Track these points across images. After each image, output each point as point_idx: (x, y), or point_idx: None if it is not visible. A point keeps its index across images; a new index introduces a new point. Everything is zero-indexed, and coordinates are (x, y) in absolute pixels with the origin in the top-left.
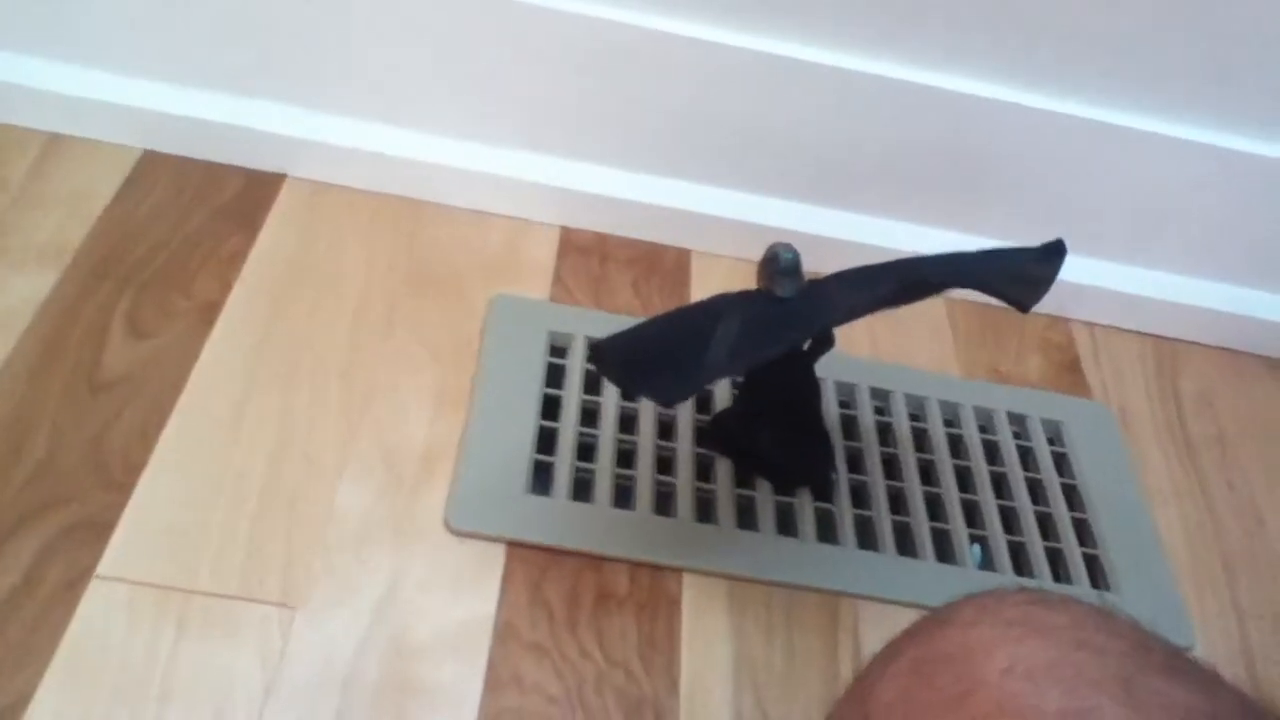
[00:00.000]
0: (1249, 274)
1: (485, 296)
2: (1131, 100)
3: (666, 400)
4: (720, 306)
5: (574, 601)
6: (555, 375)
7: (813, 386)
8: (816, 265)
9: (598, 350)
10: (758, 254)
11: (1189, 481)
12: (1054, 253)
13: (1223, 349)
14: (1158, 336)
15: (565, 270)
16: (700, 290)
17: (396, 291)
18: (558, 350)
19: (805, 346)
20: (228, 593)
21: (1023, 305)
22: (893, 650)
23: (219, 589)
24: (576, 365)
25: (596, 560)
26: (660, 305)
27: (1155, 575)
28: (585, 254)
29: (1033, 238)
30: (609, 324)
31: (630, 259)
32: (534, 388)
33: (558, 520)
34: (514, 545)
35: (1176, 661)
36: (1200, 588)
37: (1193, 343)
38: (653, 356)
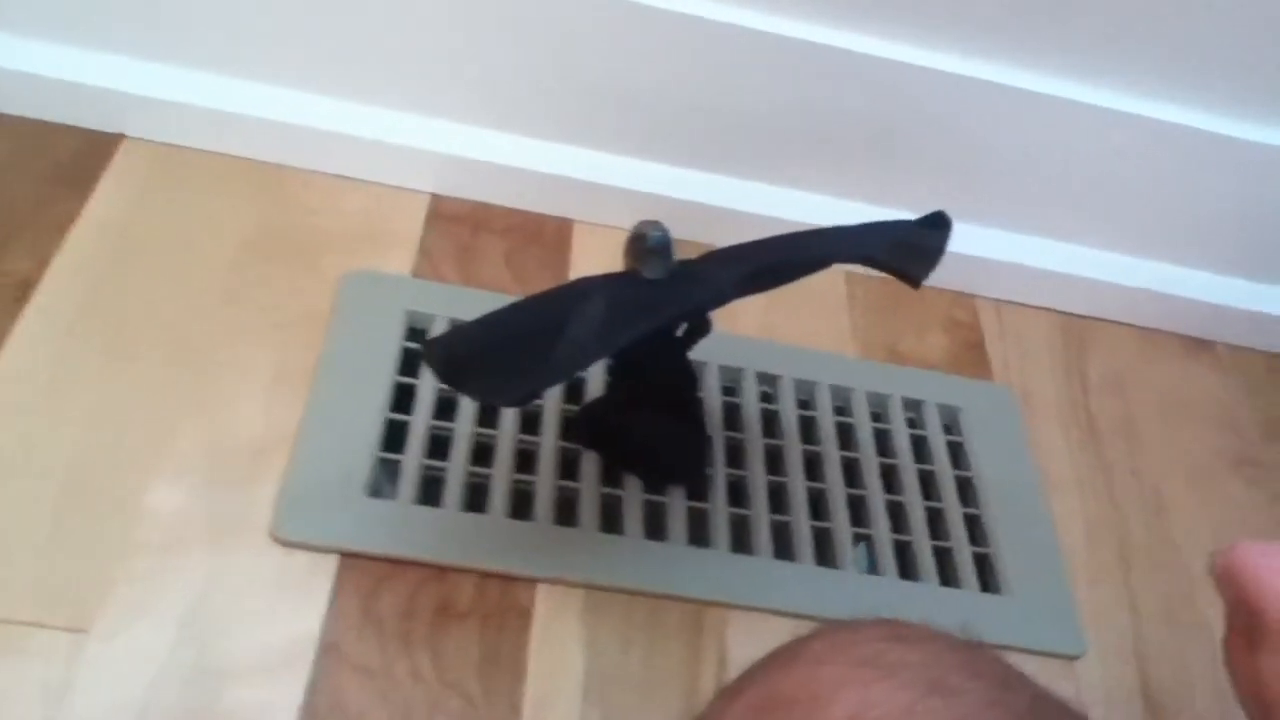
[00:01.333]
0: (1166, 249)
1: (339, 271)
2: (1045, 64)
3: (497, 401)
4: (581, 290)
5: (410, 616)
6: (410, 361)
7: (688, 375)
8: (710, 237)
9: (428, 343)
10: (636, 220)
11: (1091, 469)
12: (939, 224)
13: (1137, 327)
14: (1068, 314)
15: (432, 241)
16: (581, 262)
17: (240, 265)
18: (415, 332)
19: (679, 332)
20: (7, 616)
21: (915, 279)
22: (735, 689)
23: None
24: None
25: (440, 571)
26: (535, 279)
27: (1048, 574)
28: (456, 224)
29: (939, 207)
30: (475, 302)
31: (506, 229)
32: (384, 375)
33: (399, 527)
34: (348, 555)
35: (1041, 706)
36: (1095, 584)
37: (1105, 320)
38: (493, 349)
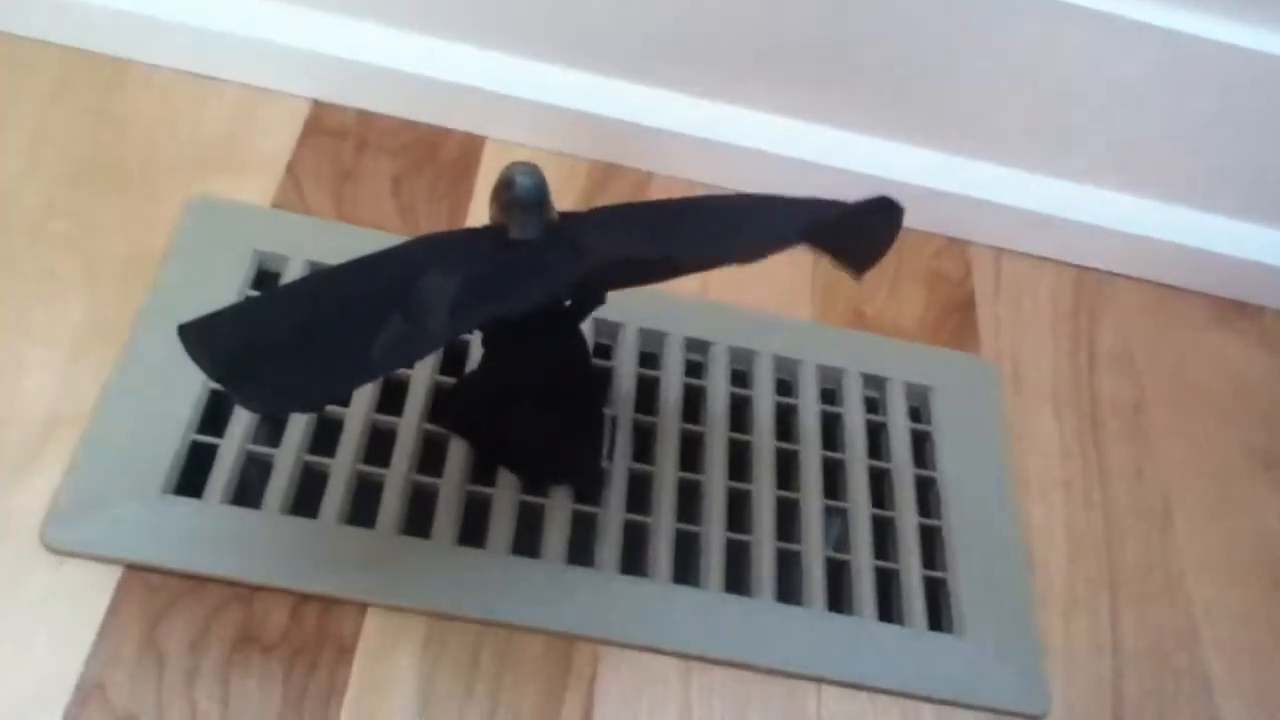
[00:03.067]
0: (1196, 193)
1: (183, 197)
2: None
3: (290, 407)
4: (428, 253)
5: (201, 649)
6: None
7: (578, 352)
8: (640, 163)
9: (189, 328)
10: (568, 144)
11: (1086, 466)
12: (889, 209)
13: (1157, 284)
14: (1079, 267)
15: (303, 162)
16: (486, 188)
17: (58, 186)
18: (266, 278)
19: (566, 303)
20: None
21: (859, 266)
22: None
23: None
24: None
25: (250, 591)
26: (428, 211)
27: (1012, 606)
28: (337, 139)
29: (924, 136)
30: (346, 241)
31: (399, 147)
32: None
33: (203, 533)
34: (135, 569)
35: None
36: (1072, 616)
37: (1121, 275)
38: (296, 336)
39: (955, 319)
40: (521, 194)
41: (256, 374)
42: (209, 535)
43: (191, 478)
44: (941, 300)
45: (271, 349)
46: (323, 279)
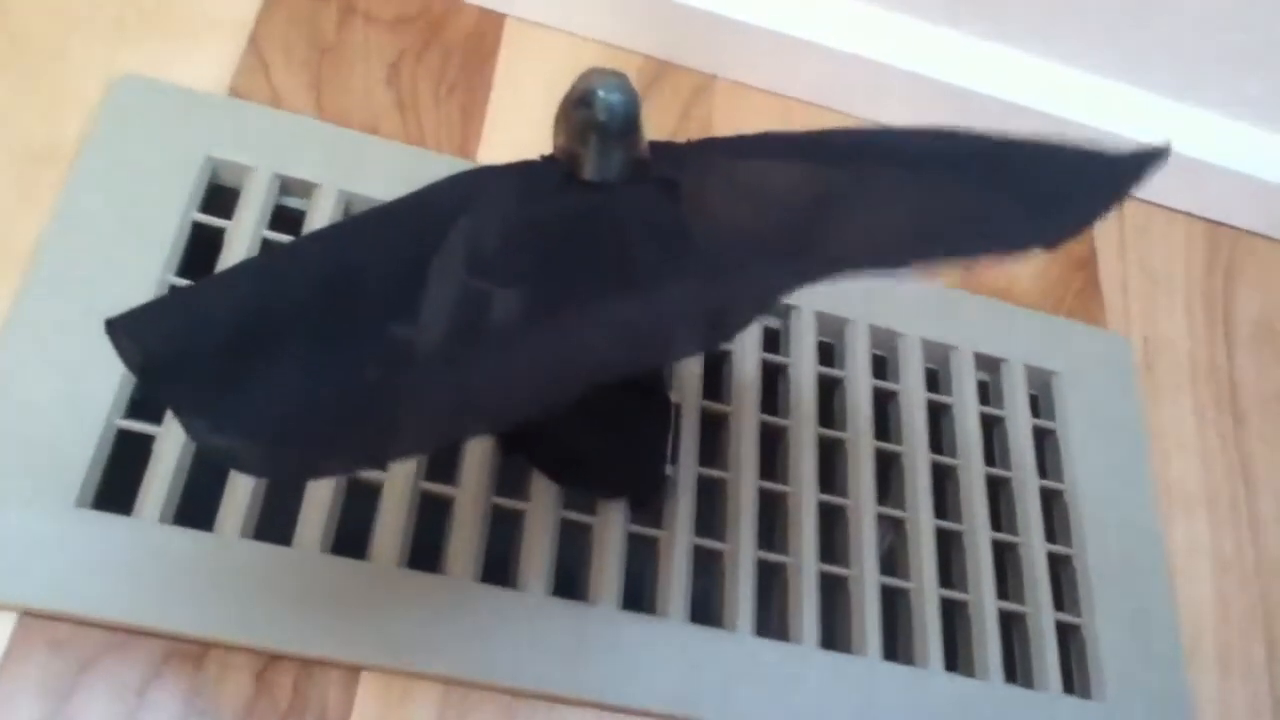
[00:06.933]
0: None
1: (106, 74)
2: None
3: (271, 473)
4: (457, 202)
5: None
6: (203, 248)
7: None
8: (710, 62)
9: (117, 323)
10: (613, 30)
11: (1230, 473)
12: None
13: None
14: (1215, 222)
15: (271, 31)
16: (509, 93)
17: None
18: (219, 195)
19: None
20: None
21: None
22: None
23: None
24: (248, 228)
25: (200, 648)
26: (434, 107)
27: (1160, 661)
28: (316, 2)
29: (1048, 47)
30: (336, 146)
31: (396, 19)
32: (151, 274)
33: (137, 566)
34: (36, 617)
35: None
36: (1226, 670)
37: (1260, 235)
38: (261, 342)
39: (1079, 280)
40: (607, 116)
41: (214, 399)
42: (142, 568)
43: (117, 484)
44: (1060, 256)
45: (232, 363)
46: (311, 247)
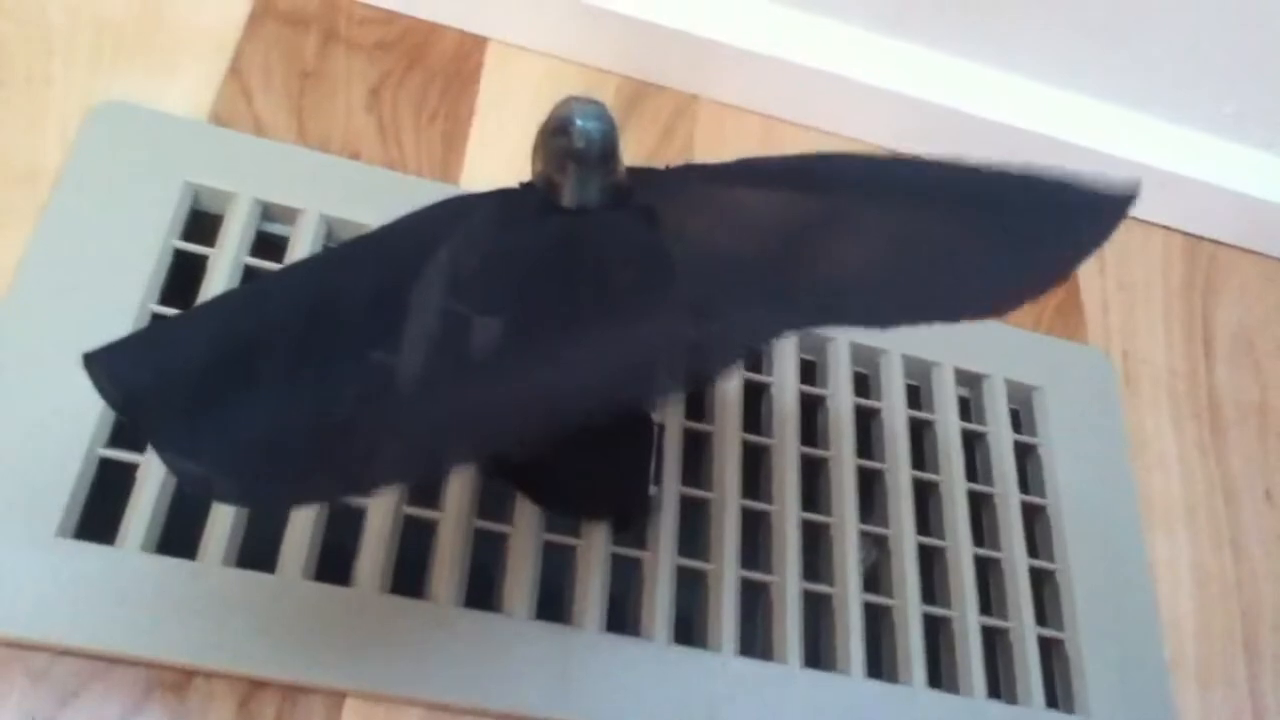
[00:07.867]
0: None
1: (86, 100)
2: None
3: (256, 504)
4: (434, 231)
5: None
6: (184, 275)
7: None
8: (691, 82)
9: (95, 356)
10: (594, 52)
11: (1210, 486)
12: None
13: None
14: (1192, 235)
15: (251, 57)
16: (492, 116)
17: None
18: (200, 221)
19: None
20: None
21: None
22: None
23: None
24: (230, 254)
25: (183, 675)
26: (415, 131)
27: (1144, 676)
28: (297, 28)
29: (1036, 66)
30: (317, 171)
31: (378, 44)
32: (132, 300)
33: (119, 595)
34: (16, 648)
35: None
36: (1208, 684)
37: (1237, 248)
38: (240, 371)
39: (1059, 295)
40: (584, 144)
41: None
42: (125, 597)
43: (99, 513)
44: None
45: (206, 396)
46: (293, 276)
